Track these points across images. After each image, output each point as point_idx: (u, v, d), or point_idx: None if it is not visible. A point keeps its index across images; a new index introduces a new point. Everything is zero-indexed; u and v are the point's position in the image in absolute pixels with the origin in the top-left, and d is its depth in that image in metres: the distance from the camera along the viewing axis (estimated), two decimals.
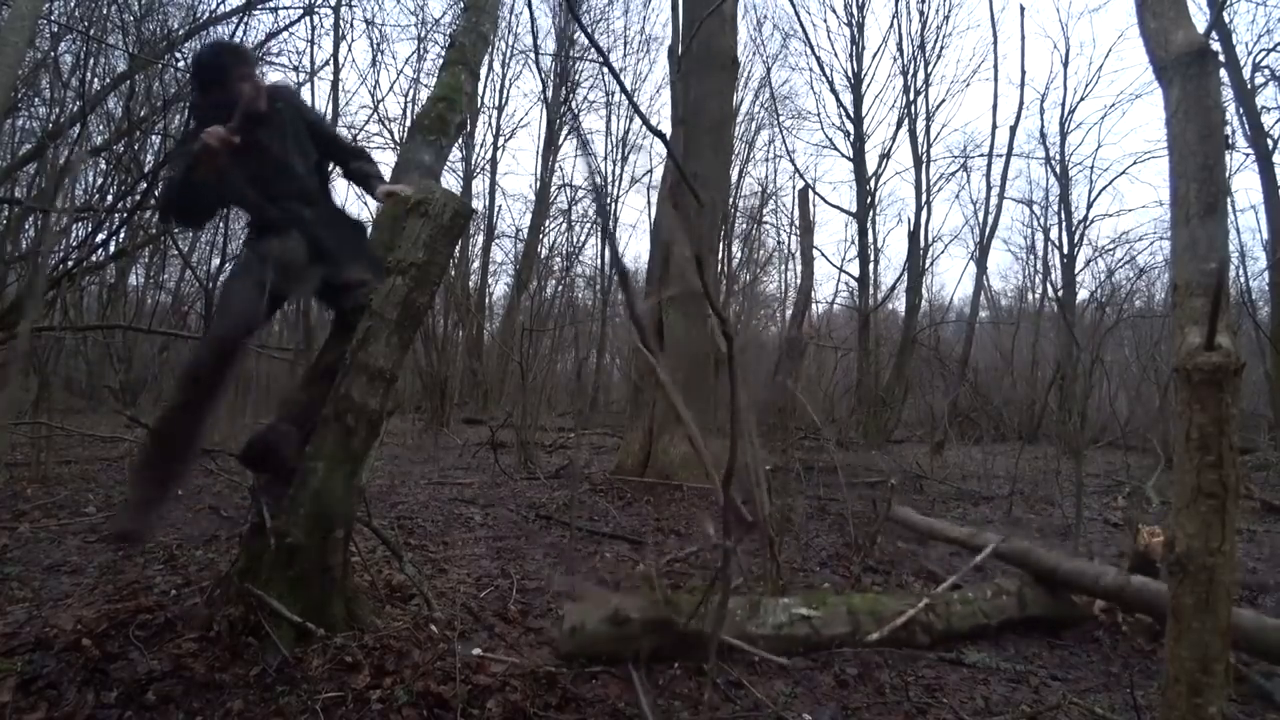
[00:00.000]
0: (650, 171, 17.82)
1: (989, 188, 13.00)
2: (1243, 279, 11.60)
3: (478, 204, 15.97)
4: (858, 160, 14.97)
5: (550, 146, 16.34)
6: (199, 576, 2.51)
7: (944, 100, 20.12)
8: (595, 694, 1.85)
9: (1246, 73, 9.54)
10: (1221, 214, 0.84)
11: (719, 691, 1.91)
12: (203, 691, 1.63)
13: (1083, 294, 15.12)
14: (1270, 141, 9.29)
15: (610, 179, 18.26)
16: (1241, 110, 9.25)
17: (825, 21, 21.11)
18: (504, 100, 17.24)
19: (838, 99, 15.57)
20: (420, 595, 2.41)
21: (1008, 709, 1.94)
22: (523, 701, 1.72)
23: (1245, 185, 19.89)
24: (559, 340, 13.54)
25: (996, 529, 3.85)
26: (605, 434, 10.19)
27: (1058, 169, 15.83)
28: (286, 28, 9.08)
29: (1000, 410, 12.53)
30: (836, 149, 16.31)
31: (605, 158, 18.31)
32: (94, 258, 6.79)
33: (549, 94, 16.22)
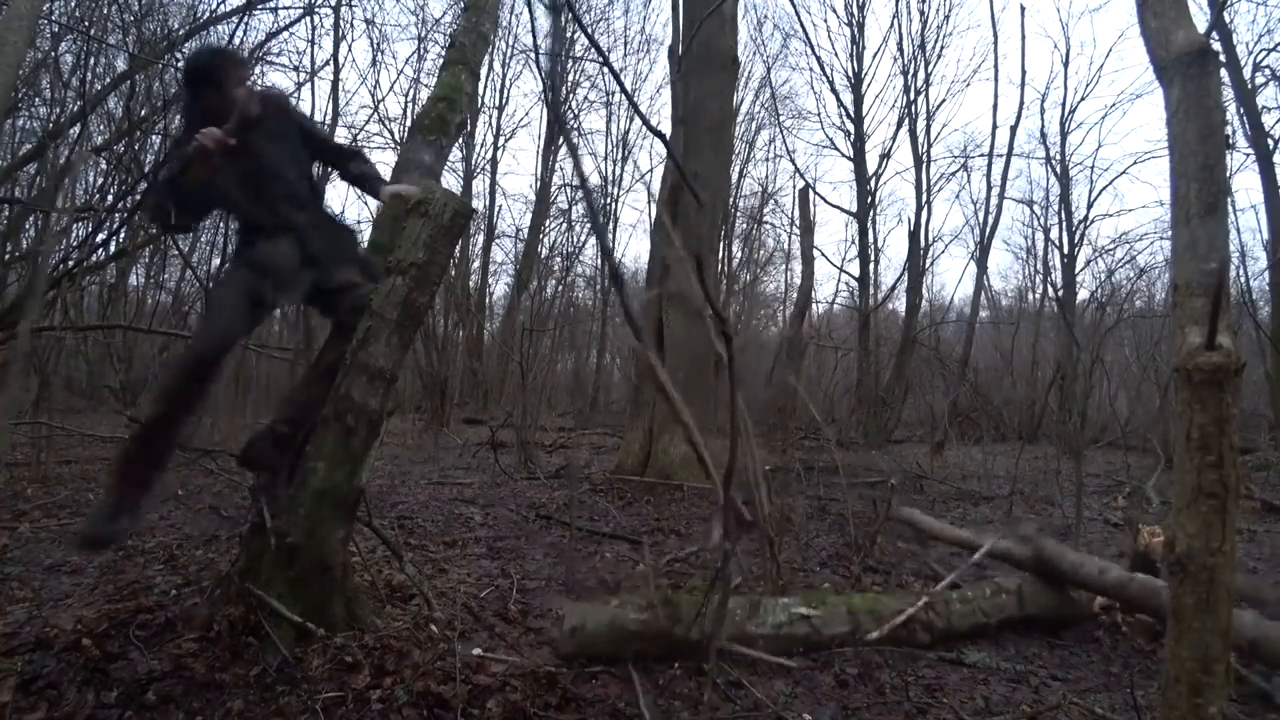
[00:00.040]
0: (650, 171, 17.82)
1: (989, 188, 13.01)
2: (1243, 279, 11.61)
3: (478, 204, 15.98)
4: (858, 160, 14.97)
5: (550, 146, 16.34)
6: (199, 576, 2.51)
7: (944, 100, 20.11)
8: (595, 694, 1.85)
9: (1247, 73, 9.54)
10: (1222, 214, 0.84)
11: (719, 691, 1.91)
12: (203, 691, 1.63)
13: (1083, 294, 15.14)
14: (1270, 141, 9.29)
15: (610, 179, 18.26)
16: (1242, 110, 9.25)
17: (825, 21, 21.10)
18: (504, 100, 17.26)
19: (838, 99, 15.58)
20: (420, 595, 2.41)
21: (1008, 709, 1.94)
22: (523, 701, 1.72)
23: (1245, 185, 19.88)
24: (559, 340, 13.53)
25: (996, 529, 3.85)
26: (605, 434, 10.19)
27: (1058, 169, 15.84)
28: (286, 28, 9.09)
29: (1000, 410, 12.53)
30: (837, 149, 16.32)
31: (605, 158, 18.32)
32: (94, 258, 6.79)
33: (549, 94, 16.22)
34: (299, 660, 1.79)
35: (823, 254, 14.22)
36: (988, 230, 12.67)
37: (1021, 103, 12.87)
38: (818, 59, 15.67)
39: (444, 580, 2.82)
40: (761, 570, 2.67)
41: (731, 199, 15.31)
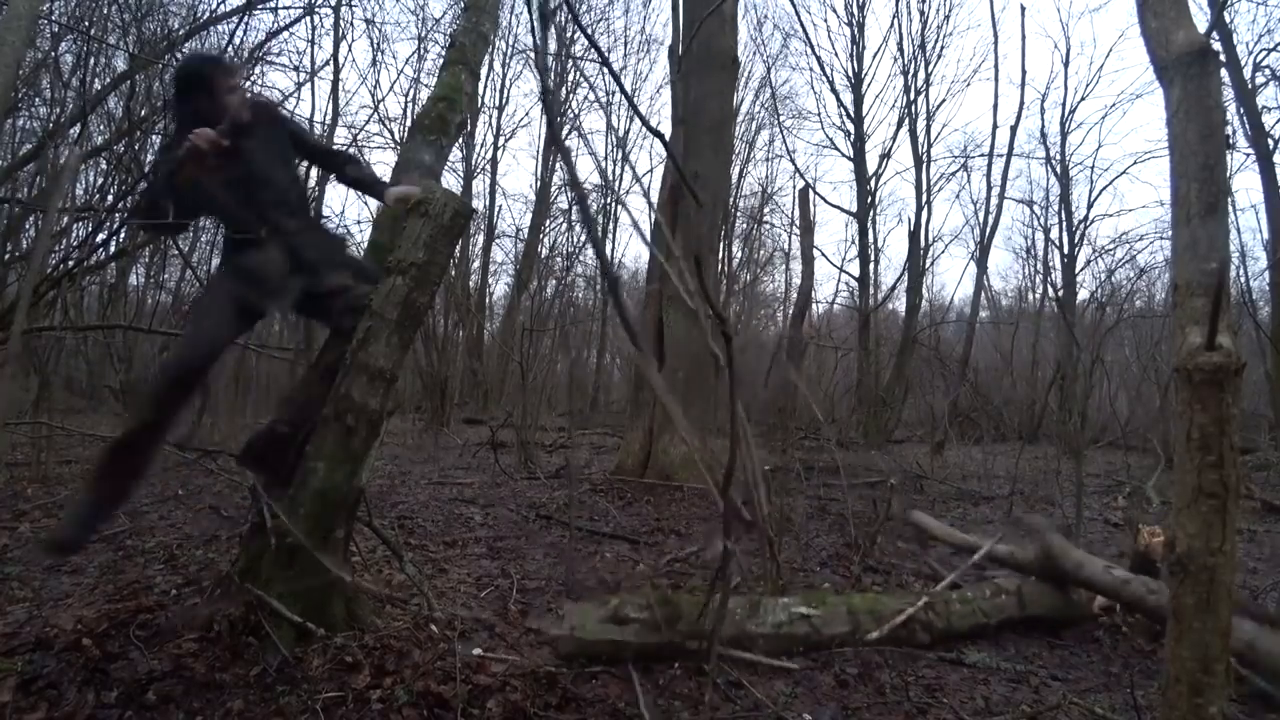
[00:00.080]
0: (650, 172, 17.81)
1: (989, 188, 13.02)
2: (1243, 279, 11.61)
3: (478, 204, 15.98)
4: (858, 160, 14.97)
5: (550, 147, 16.33)
6: (199, 576, 2.51)
7: (944, 100, 20.10)
8: (595, 694, 1.85)
9: (1247, 73, 9.54)
10: (1222, 214, 0.85)
11: (719, 691, 1.91)
12: (203, 691, 1.63)
13: (1083, 294, 15.14)
14: (1271, 141, 9.29)
15: (610, 179, 18.25)
16: (1242, 110, 9.25)
17: (825, 21, 21.08)
18: (504, 100, 17.25)
19: (838, 99, 15.58)
20: (420, 595, 2.41)
21: (1008, 709, 1.94)
22: (523, 701, 1.72)
23: (1245, 185, 19.89)
24: (559, 340, 13.54)
25: (999, 529, 3.85)
26: (605, 434, 10.19)
27: (1058, 169, 15.84)
28: (286, 27, 9.08)
29: (1000, 410, 12.54)
30: (837, 149, 16.30)
31: (606, 158, 18.31)
32: (94, 258, 6.79)
33: (546, 111, 16.20)
34: (299, 660, 1.79)
35: (823, 254, 14.24)
36: (988, 230, 12.68)
37: (1021, 103, 12.89)
38: (818, 59, 15.69)
39: (444, 580, 2.82)
40: (761, 570, 2.67)
41: (731, 199, 15.32)
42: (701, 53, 6.20)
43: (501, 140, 16.90)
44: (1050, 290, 16.31)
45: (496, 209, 17.27)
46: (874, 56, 20.82)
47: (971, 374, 12.43)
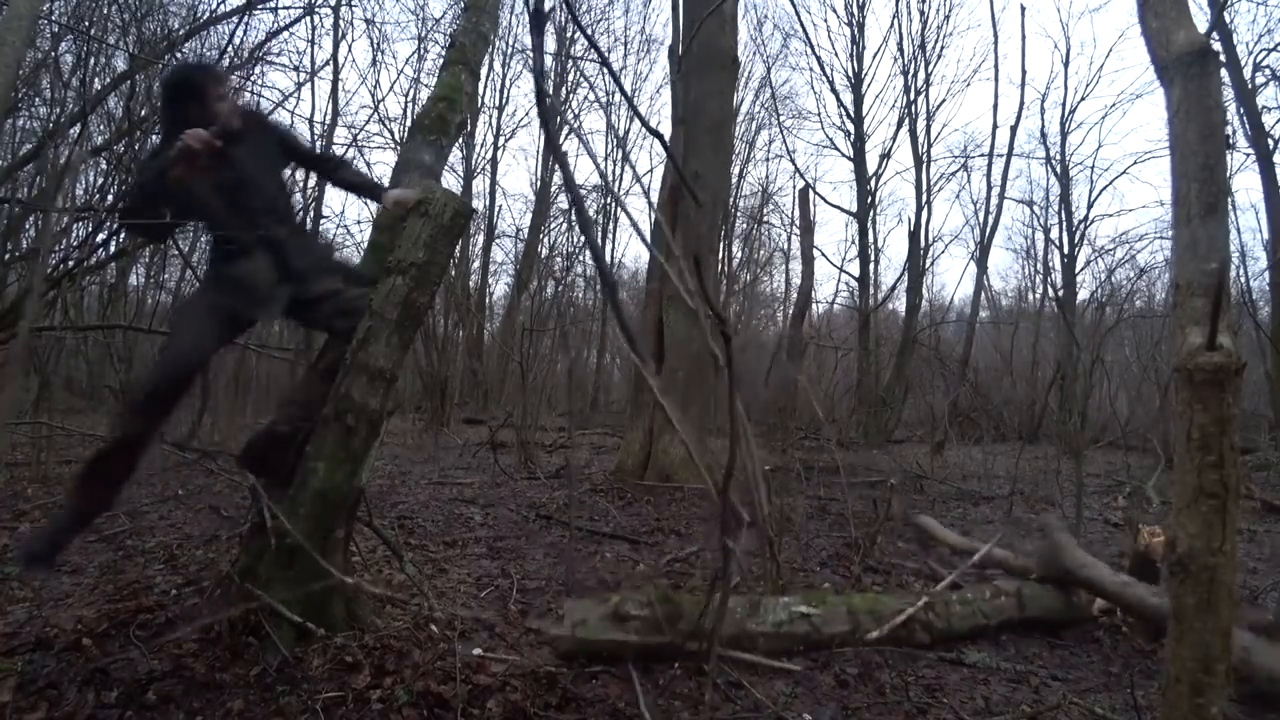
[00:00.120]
0: (650, 172, 17.80)
1: (989, 188, 13.02)
2: (1243, 279, 11.60)
3: (478, 204, 15.98)
4: (858, 160, 14.97)
5: (548, 153, 16.31)
6: (199, 576, 2.51)
7: (944, 100, 20.14)
8: (595, 694, 1.85)
9: (1247, 73, 9.53)
10: (1222, 214, 0.84)
11: (719, 691, 1.91)
12: (203, 691, 1.63)
13: (1083, 294, 15.14)
14: (1271, 141, 9.29)
15: (610, 179, 18.25)
16: (1242, 110, 9.24)
17: (825, 21, 21.10)
18: (504, 100, 17.25)
19: (838, 99, 15.58)
20: (420, 595, 2.41)
21: (1008, 709, 1.94)
22: (523, 701, 1.72)
23: (1246, 185, 19.88)
24: (559, 340, 13.53)
25: (998, 528, 3.85)
26: (605, 434, 10.19)
27: (1058, 169, 15.84)
28: (286, 27, 9.07)
29: (1000, 410, 12.53)
30: (837, 149, 16.31)
31: (605, 158, 18.31)
32: (94, 258, 6.79)
33: (543, 124, 16.19)
34: (299, 660, 1.79)
35: (823, 254, 14.25)
36: (988, 230, 12.68)
37: (1021, 103, 12.89)
38: (818, 59, 15.69)
39: (444, 580, 2.82)
40: (762, 570, 2.67)
41: (731, 199, 15.31)
42: (701, 53, 6.20)
43: (501, 140, 16.92)
44: (1050, 290, 16.33)
45: (496, 209, 17.30)
46: (874, 56, 20.87)
47: (971, 374, 12.43)
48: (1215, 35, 9.12)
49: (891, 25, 18.01)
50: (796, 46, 19.28)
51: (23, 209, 7.47)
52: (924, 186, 14.60)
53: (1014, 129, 11.98)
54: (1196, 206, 0.84)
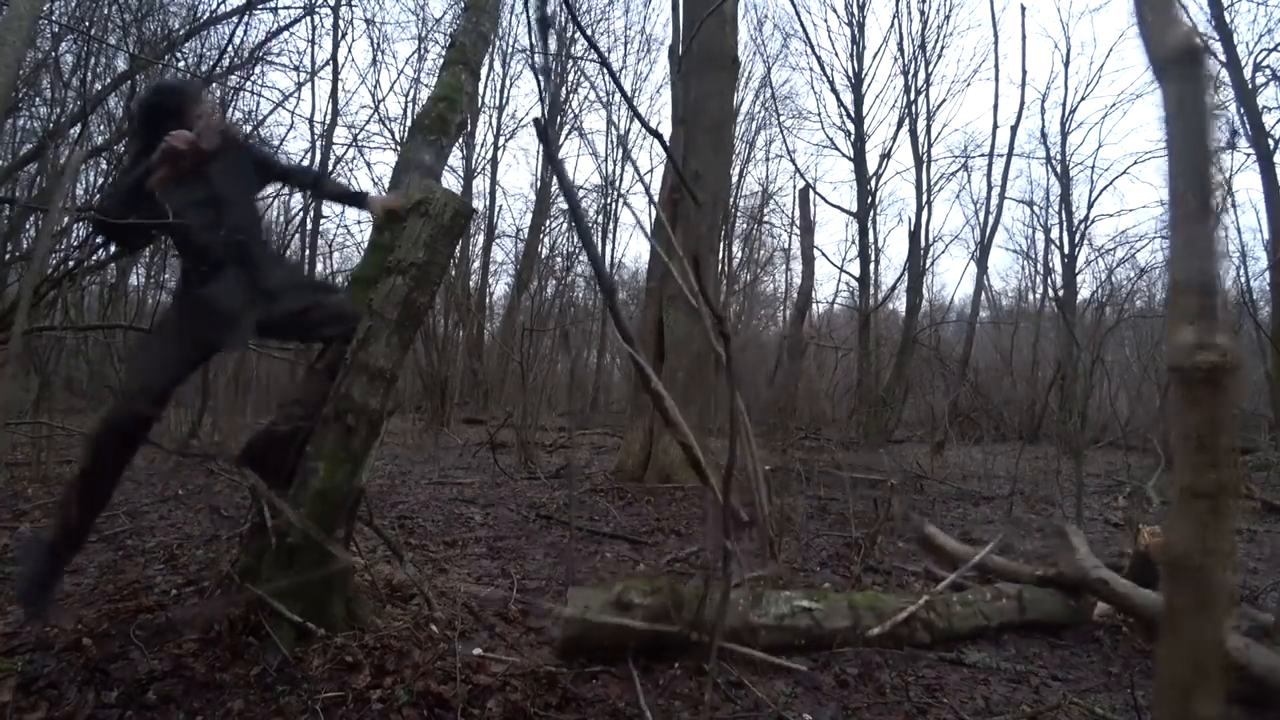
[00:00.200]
0: (650, 172, 17.81)
1: (989, 188, 13.04)
2: (1243, 279, 11.60)
3: (478, 204, 15.98)
4: (858, 160, 14.98)
5: (554, 142, 16.28)
6: (199, 576, 2.51)
7: (945, 100, 20.13)
8: (595, 694, 1.85)
9: (1247, 73, 9.53)
10: (1217, 213, 0.85)
11: (719, 691, 1.91)
12: (203, 691, 1.63)
13: (1083, 294, 15.14)
14: (1271, 141, 9.29)
15: (610, 179, 18.26)
16: (1242, 110, 9.24)
17: (826, 21, 21.07)
18: (504, 100, 17.26)
19: (838, 99, 15.59)
20: (421, 595, 2.41)
21: (1008, 709, 1.94)
22: (523, 701, 1.72)
23: (1246, 185, 19.88)
24: (559, 340, 13.54)
25: (997, 529, 3.85)
26: (605, 434, 10.19)
27: (1058, 169, 15.84)
28: (286, 27, 9.09)
29: (1001, 410, 12.54)
30: (837, 149, 16.31)
31: (606, 158, 18.32)
32: (94, 258, 6.79)
33: (547, 93, 16.20)
34: (299, 660, 1.79)
35: (823, 254, 14.23)
36: (988, 230, 12.69)
37: (1022, 103, 12.88)
38: (818, 59, 15.70)
39: (444, 580, 2.82)
40: (762, 569, 2.67)
41: (731, 199, 15.32)
42: (701, 53, 6.20)
43: (501, 140, 16.93)
44: (1050, 290, 16.33)
45: (496, 209, 17.31)
46: (874, 56, 20.81)
47: (971, 374, 12.43)
48: (1215, 35, 9.13)
49: (891, 25, 17.99)
50: (796, 46, 19.29)
51: (23, 209, 7.47)
52: (924, 186, 14.62)
53: (1014, 129, 12.01)
54: (1191, 206, 0.84)
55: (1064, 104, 15.96)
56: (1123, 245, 14.68)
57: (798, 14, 18.81)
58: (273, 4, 8.59)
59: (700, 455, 1.45)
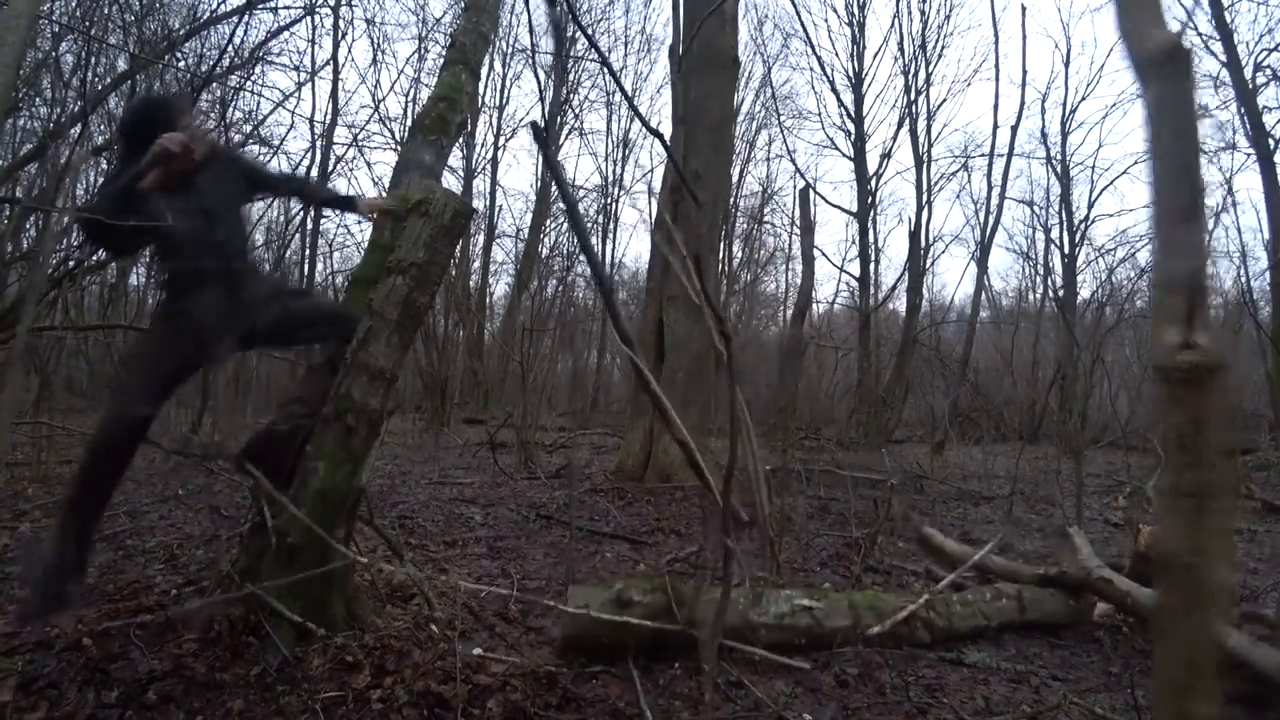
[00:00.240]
0: (650, 171, 17.82)
1: (990, 188, 13.04)
2: (1243, 279, 11.60)
3: (478, 204, 15.98)
4: (858, 160, 14.97)
5: (552, 144, 16.28)
6: (199, 576, 2.51)
7: (945, 100, 20.18)
8: (595, 694, 1.85)
9: (1247, 73, 9.53)
10: (1200, 214, 0.85)
11: (719, 691, 1.91)
12: (203, 691, 1.63)
13: (1083, 294, 15.14)
14: (1271, 141, 9.29)
15: (610, 179, 18.28)
16: (1243, 110, 9.25)
17: (826, 21, 21.08)
18: (504, 100, 17.26)
19: (838, 99, 15.58)
20: (421, 595, 2.41)
21: (1008, 709, 1.94)
22: (523, 701, 1.72)
23: (1246, 185, 19.86)
24: (559, 340, 13.55)
25: (998, 529, 3.84)
26: (605, 434, 10.19)
27: (1058, 169, 15.84)
28: (286, 27, 9.10)
29: (1001, 410, 12.55)
30: (837, 149, 16.30)
31: (606, 157, 18.33)
32: (94, 258, 6.79)
33: (548, 94, 16.21)
34: (299, 660, 1.79)
35: (823, 254, 14.25)
36: (988, 230, 12.70)
37: (1022, 102, 12.89)
38: (818, 59, 15.71)
39: (444, 580, 2.82)
40: (763, 569, 2.67)
41: (732, 199, 15.33)
42: (702, 52, 6.20)
43: (501, 140, 16.92)
44: (1050, 290, 16.32)
45: (497, 209, 17.31)
46: (874, 56, 20.86)
47: (972, 374, 12.44)
48: (1216, 35, 9.13)
49: (892, 25, 17.97)
50: (797, 46, 19.29)
51: (23, 209, 7.47)
52: (924, 186, 14.62)
53: (1014, 129, 12.04)
54: (1173, 207, 0.85)
55: (1064, 104, 15.99)
56: (1123, 245, 14.66)
57: (798, 14, 18.83)
58: (273, 4, 8.60)
59: (699, 455, 1.45)
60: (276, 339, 2.32)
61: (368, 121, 16.21)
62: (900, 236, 39.68)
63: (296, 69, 9.89)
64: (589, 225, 17.03)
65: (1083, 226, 15.69)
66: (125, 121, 2.17)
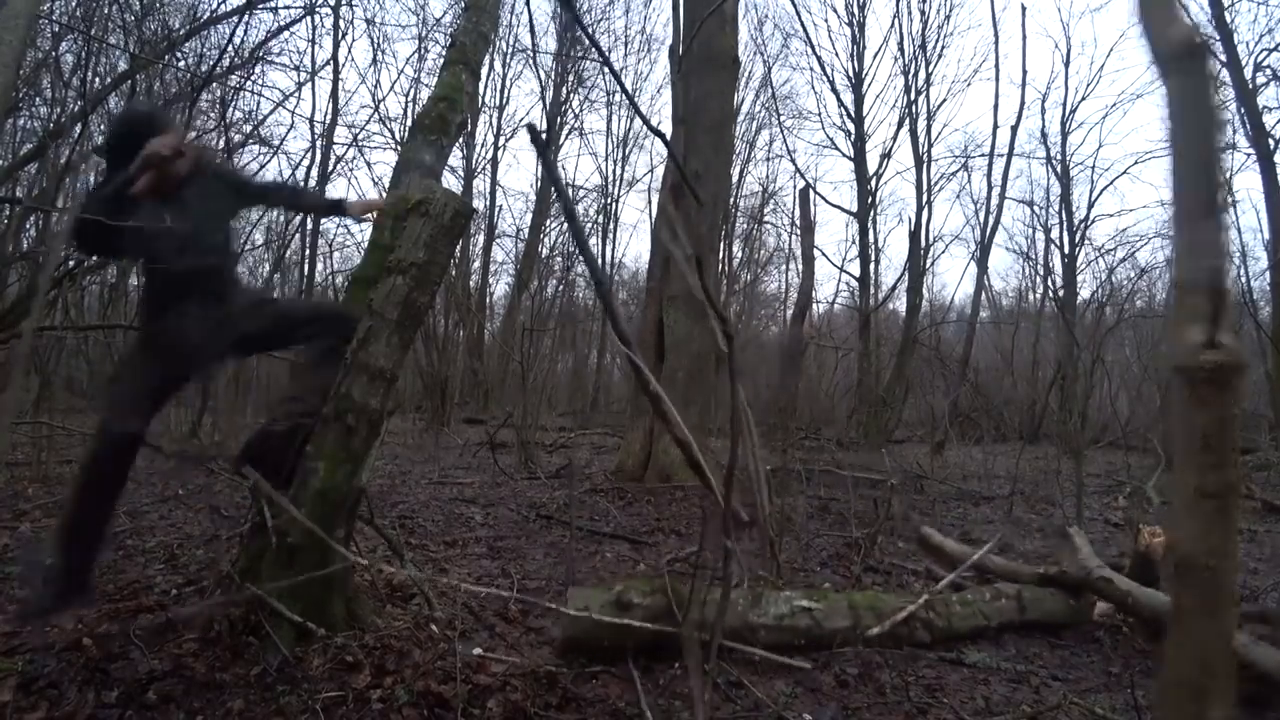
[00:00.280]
0: (651, 171, 17.83)
1: (990, 188, 13.04)
2: (1243, 279, 11.59)
3: (478, 204, 15.98)
4: (858, 160, 14.98)
5: (550, 145, 16.31)
6: (199, 576, 2.51)
7: (945, 100, 20.11)
8: (595, 694, 1.85)
9: (1247, 73, 9.52)
10: (1221, 211, 0.84)
11: (719, 691, 1.91)
12: (203, 691, 1.63)
13: (1083, 294, 15.14)
14: (1271, 141, 9.28)
15: (610, 179, 18.28)
16: (1243, 110, 9.24)
17: (826, 21, 21.05)
18: (504, 100, 17.26)
19: (839, 99, 15.59)
20: (421, 595, 2.41)
21: (1008, 709, 1.94)
22: (523, 701, 1.72)
23: (1246, 185, 19.83)
24: (559, 340, 13.55)
25: (997, 529, 3.84)
26: (605, 434, 10.19)
27: (1058, 169, 15.84)
28: (286, 27, 9.10)
29: (1001, 410, 12.55)
30: (837, 149, 16.30)
31: (606, 157, 18.33)
32: (94, 258, 6.79)
33: (548, 94, 16.23)
34: (299, 660, 1.79)
35: (823, 254, 14.27)
36: (988, 230, 12.70)
37: (1022, 102, 12.87)
38: (818, 59, 15.70)
39: (444, 580, 2.82)
40: (763, 569, 2.67)
41: (732, 199, 15.33)
42: (702, 52, 6.20)
43: (502, 140, 16.92)
44: (1050, 290, 16.32)
45: (497, 209, 17.30)
46: (874, 56, 20.80)
47: (972, 374, 12.44)
48: (1215, 35, 9.12)
49: (892, 25, 17.95)
50: (797, 46, 19.28)
51: (24, 209, 7.47)
52: (924, 186, 14.62)
53: (1014, 129, 12.04)
54: (1194, 204, 0.84)
55: (1064, 104, 15.98)
56: (1123, 245, 14.65)
57: (798, 14, 18.82)
58: (273, 4, 8.61)
59: (699, 455, 1.45)
60: (276, 341, 2.32)
61: (368, 121, 16.23)
62: (900, 236, 39.66)
63: (296, 69, 9.91)
64: (588, 226, 17.04)
65: (1083, 226, 15.71)
66: (110, 134, 2.15)
